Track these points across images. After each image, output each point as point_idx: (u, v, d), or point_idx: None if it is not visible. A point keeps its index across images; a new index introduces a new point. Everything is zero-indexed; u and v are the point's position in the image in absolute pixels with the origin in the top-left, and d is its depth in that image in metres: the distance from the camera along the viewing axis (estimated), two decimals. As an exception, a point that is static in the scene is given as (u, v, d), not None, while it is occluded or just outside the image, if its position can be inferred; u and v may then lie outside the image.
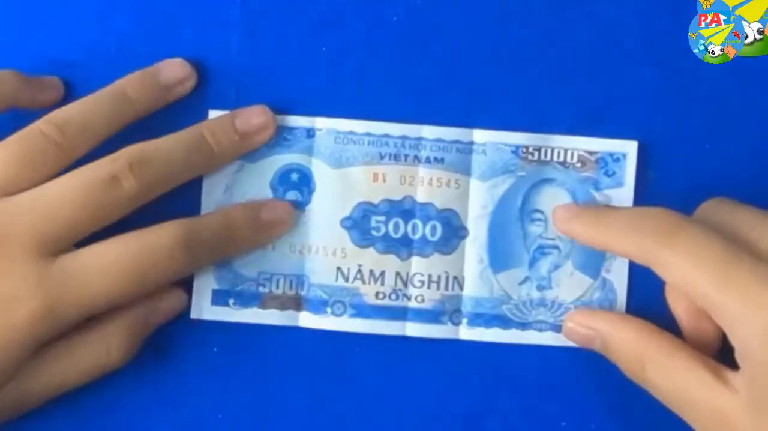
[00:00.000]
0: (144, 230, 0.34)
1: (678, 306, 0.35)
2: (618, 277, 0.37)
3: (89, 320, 0.34)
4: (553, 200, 0.37)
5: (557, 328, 0.37)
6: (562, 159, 0.37)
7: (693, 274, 0.32)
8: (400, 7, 0.38)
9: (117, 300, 0.34)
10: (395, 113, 0.37)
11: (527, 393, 0.37)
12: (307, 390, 0.37)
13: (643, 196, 0.37)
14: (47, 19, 0.38)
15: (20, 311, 0.32)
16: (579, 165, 0.37)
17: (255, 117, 0.37)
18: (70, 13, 0.38)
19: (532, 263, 0.37)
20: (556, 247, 0.37)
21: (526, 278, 0.37)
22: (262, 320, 0.37)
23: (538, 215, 0.37)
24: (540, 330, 0.37)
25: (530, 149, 0.37)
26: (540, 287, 0.37)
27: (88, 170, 0.34)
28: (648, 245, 0.33)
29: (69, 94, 0.38)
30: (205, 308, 0.37)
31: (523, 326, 0.37)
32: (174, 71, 0.37)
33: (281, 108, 0.37)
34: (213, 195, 0.37)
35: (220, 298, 0.37)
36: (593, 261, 0.37)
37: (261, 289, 0.37)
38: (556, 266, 0.37)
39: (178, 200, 0.36)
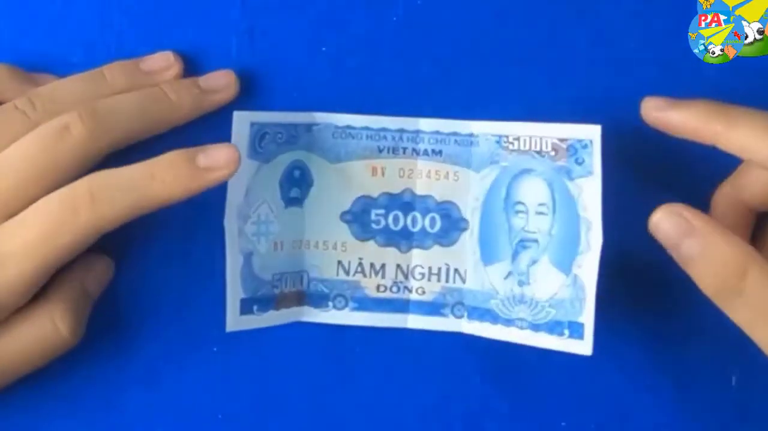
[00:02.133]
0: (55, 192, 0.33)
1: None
2: (588, 273, 0.34)
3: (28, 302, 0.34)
4: (532, 191, 0.36)
5: (535, 327, 0.36)
6: (538, 148, 0.36)
7: None
8: (400, 7, 0.38)
9: (49, 261, 0.33)
10: (395, 112, 0.37)
11: (527, 393, 0.37)
12: (306, 387, 0.37)
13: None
14: (47, 19, 0.38)
15: None
16: (553, 153, 0.36)
17: (218, 77, 0.37)
18: (70, 13, 0.38)
19: (514, 257, 0.36)
20: (536, 241, 0.36)
21: (509, 273, 0.36)
22: (279, 321, 0.37)
23: (520, 207, 0.36)
24: (520, 328, 0.36)
25: (510, 139, 0.36)
26: (520, 283, 0.36)
27: (39, 128, 0.34)
28: None
29: (69, 94, 0.38)
30: (236, 319, 0.36)
31: (508, 322, 0.36)
32: (157, 62, 0.37)
33: (281, 107, 0.37)
34: (235, 198, 0.35)
35: (246, 306, 0.36)
36: (566, 256, 0.35)
37: (275, 290, 0.37)
38: (534, 261, 0.36)
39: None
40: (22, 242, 0.33)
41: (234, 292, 0.36)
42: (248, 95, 0.38)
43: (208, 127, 0.37)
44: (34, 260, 0.33)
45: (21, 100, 0.35)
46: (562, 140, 0.35)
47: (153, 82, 0.37)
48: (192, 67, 0.38)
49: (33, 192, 0.33)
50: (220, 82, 0.37)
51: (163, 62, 0.37)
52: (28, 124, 0.34)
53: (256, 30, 0.38)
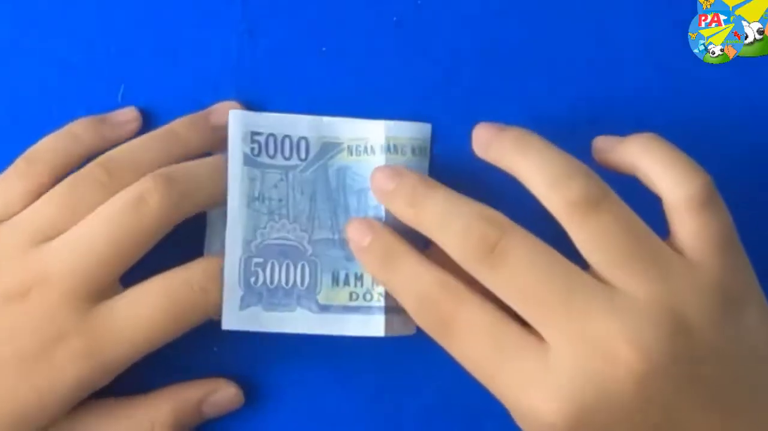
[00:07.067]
0: (176, 269, 0.34)
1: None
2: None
3: (140, 393, 0.35)
4: None
5: None
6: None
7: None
8: (400, 7, 0.38)
9: (157, 342, 0.34)
10: (395, 111, 0.38)
11: (527, 393, 0.37)
12: (306, 386, 0.37)
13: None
14: (47, 19, 0.38)
15: (64, 352, 0.33)
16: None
17: None
18: (70, 13, 0.38)
19: None
20: None
21: None
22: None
23: None
24: None
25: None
26: None
27: (115, 199, 0.34)
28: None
29: (69, 94, 0.38)
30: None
31: None
32: (225, 114, 0.36)
33: (281, 108, 0.37)
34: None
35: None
36: None
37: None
38: None
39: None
40: (141, 323, 0.33)
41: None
42: (248, 95, 0.38)
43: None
44: (151, 343, 0.34)
45: (96, 168, 0.35)
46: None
47: (224, 137, 0.37)
48: (192, 67, 0.38)
49: (118, 268, 0.34)
50: None
51: None
52: (105, 193, 0.34)
53: (256, 30, 0.38)
